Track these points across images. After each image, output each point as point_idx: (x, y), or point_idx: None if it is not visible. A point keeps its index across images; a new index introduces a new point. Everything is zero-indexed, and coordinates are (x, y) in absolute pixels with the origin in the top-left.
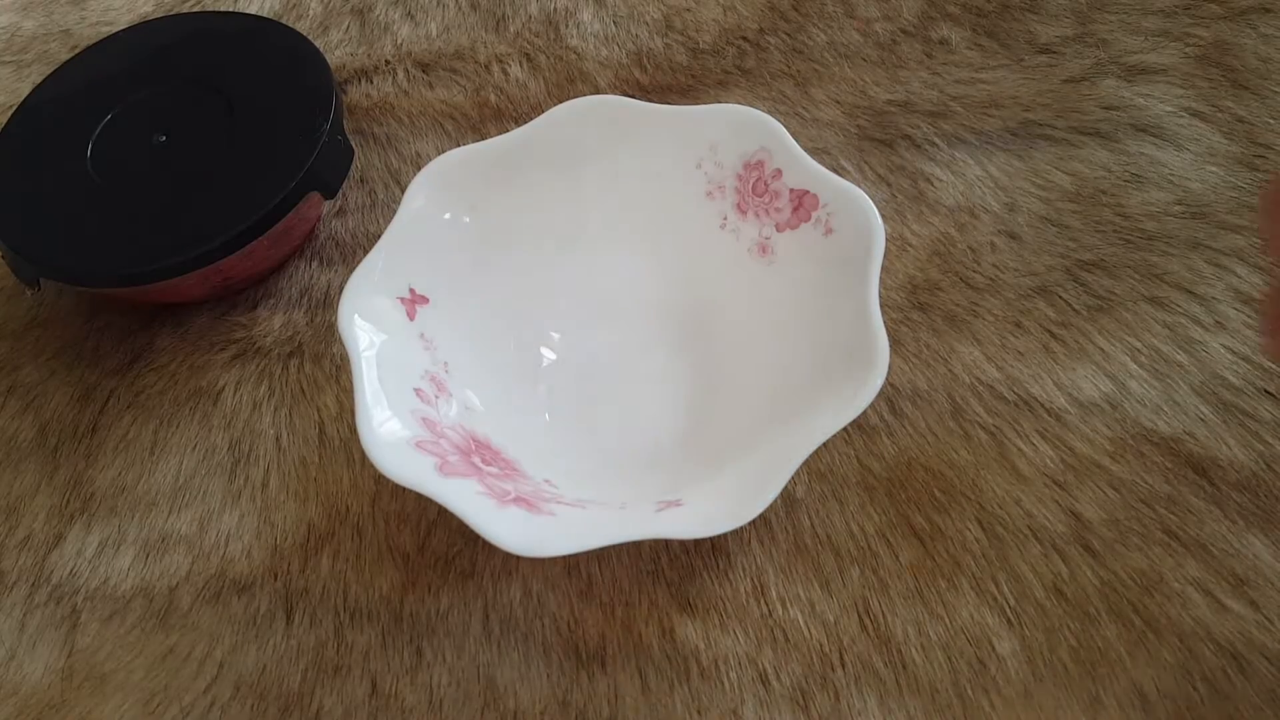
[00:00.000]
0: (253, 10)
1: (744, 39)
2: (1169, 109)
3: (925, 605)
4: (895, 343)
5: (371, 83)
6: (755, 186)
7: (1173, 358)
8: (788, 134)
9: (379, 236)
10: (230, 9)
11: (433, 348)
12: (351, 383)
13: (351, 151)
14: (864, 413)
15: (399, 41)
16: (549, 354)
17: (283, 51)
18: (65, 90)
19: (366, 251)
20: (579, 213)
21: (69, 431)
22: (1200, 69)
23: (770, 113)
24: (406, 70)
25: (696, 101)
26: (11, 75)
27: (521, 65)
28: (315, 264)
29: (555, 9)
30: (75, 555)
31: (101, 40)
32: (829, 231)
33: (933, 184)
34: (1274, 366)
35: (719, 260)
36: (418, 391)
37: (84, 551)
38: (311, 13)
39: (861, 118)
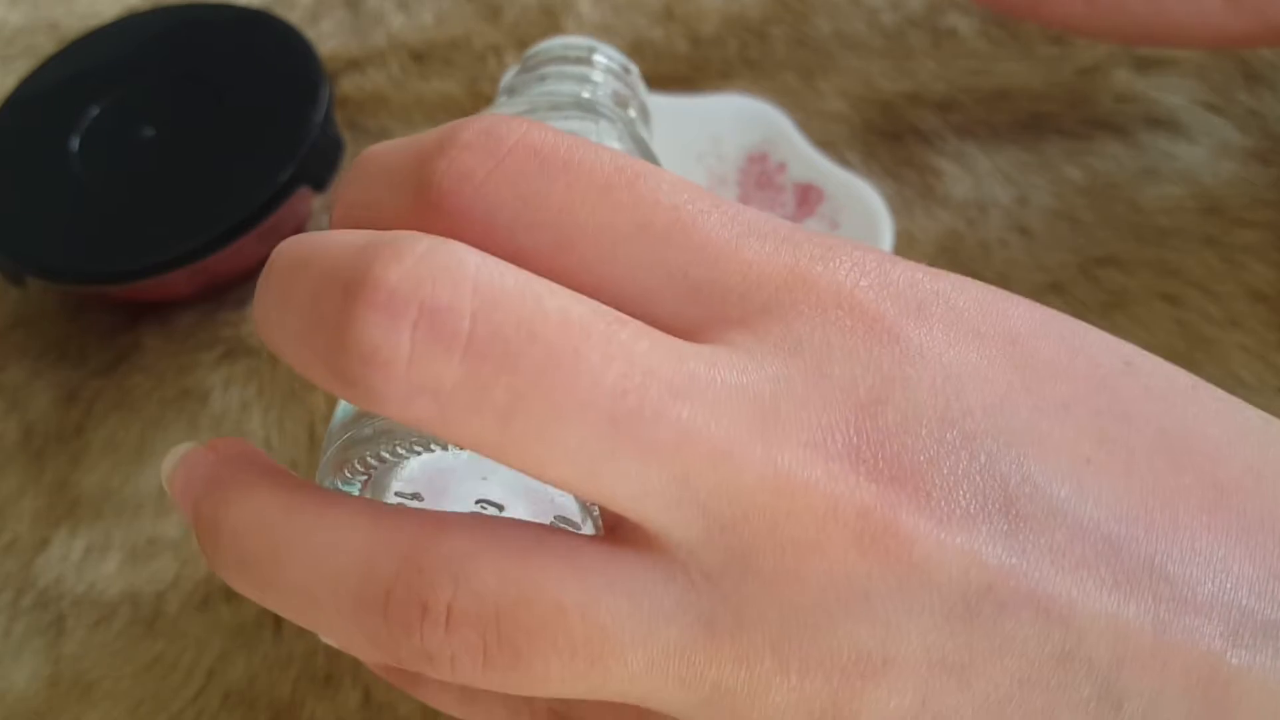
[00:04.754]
0: (242, 1)
1: (747, 29)
2: (1182, 101)
3: None
4: None
5: (364, 74)
6: (759, 180)
7: (1187, 355)
8: (792, 126)
9: None
10: (219, 0)
11: None
12: None
13: (343, 145)
14: None
15: (392, 32)
16: None
17: (272, 43)
18: (51, 84)
19: None
20: None
21: (54, 433)
22: (1213, 60)
23: (774, 105)
24: (400, 61)
25: (698, 93)
26: None
27: (518, 55)
28: None
29: None
30: (61, 560)
31: (88, 33)
32: (835, 227)
33: (941, 178)
34: None
35: None
36: None
37: (70, 556)
38: (302, 3)
39: (868, 110)
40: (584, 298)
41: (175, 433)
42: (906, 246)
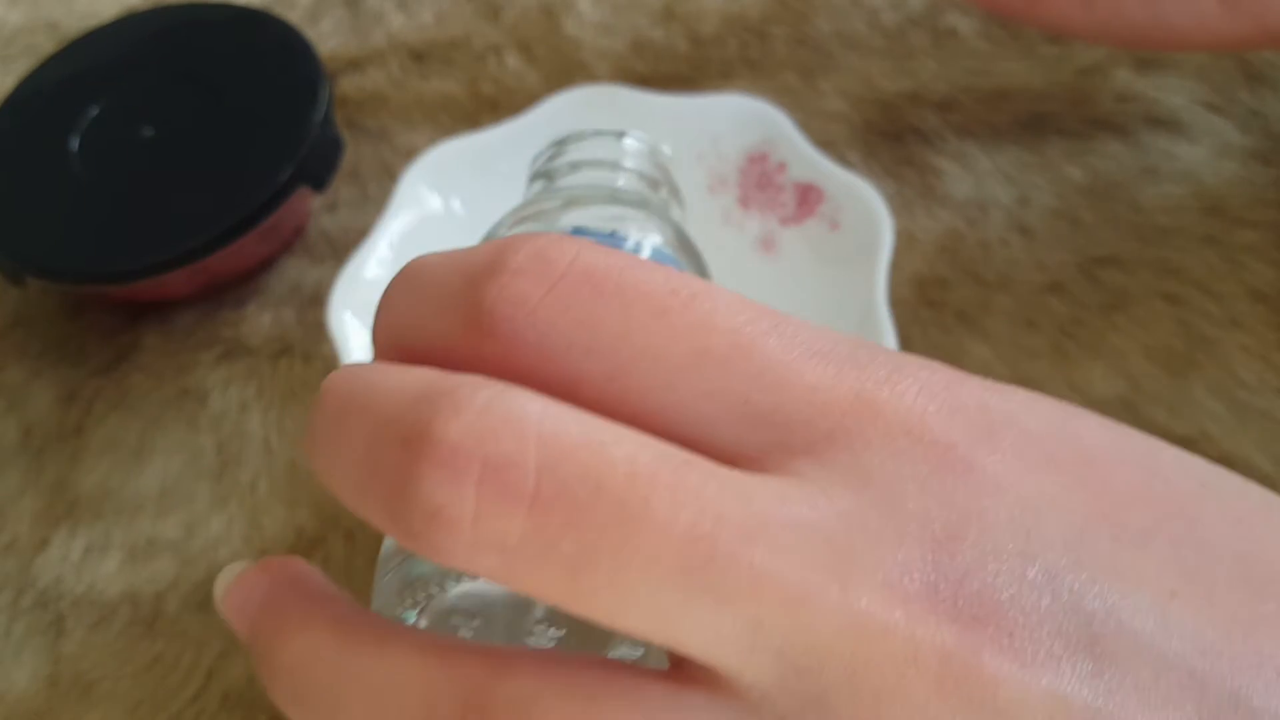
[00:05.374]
0: (242, 1)
1: (747, 29)
2: (1183, 101)
3: None
4: (904, 341)
5: (363, 74)
6: (759, 180)
7: (1187, 355)
8: (793, 126)
9: (371, 231)
10: (219, 0)
11: None
12: None
13: (342, 144)
14: None
15: (392, 31)
16: None
17: (272, 42)
18: (51, 84)
19: (358, 247)
20: None
21: (54, 433)
22: (1214, 60)
23: (774, 104)
24: (400, 61)
25: (698, 93)
26: None
27: (518, 55)
28: (305, 260)
29: None
30: (60, 560)
31: (88, 33)
32: (835, 227)
33: (941, 178)
34: None
35: (721, 256)
36: None
37: (69, 556)
38: (302, 3)
39: (868, 110)
40: (649, 440)
41: (175, 432)
42: (907, 246)
